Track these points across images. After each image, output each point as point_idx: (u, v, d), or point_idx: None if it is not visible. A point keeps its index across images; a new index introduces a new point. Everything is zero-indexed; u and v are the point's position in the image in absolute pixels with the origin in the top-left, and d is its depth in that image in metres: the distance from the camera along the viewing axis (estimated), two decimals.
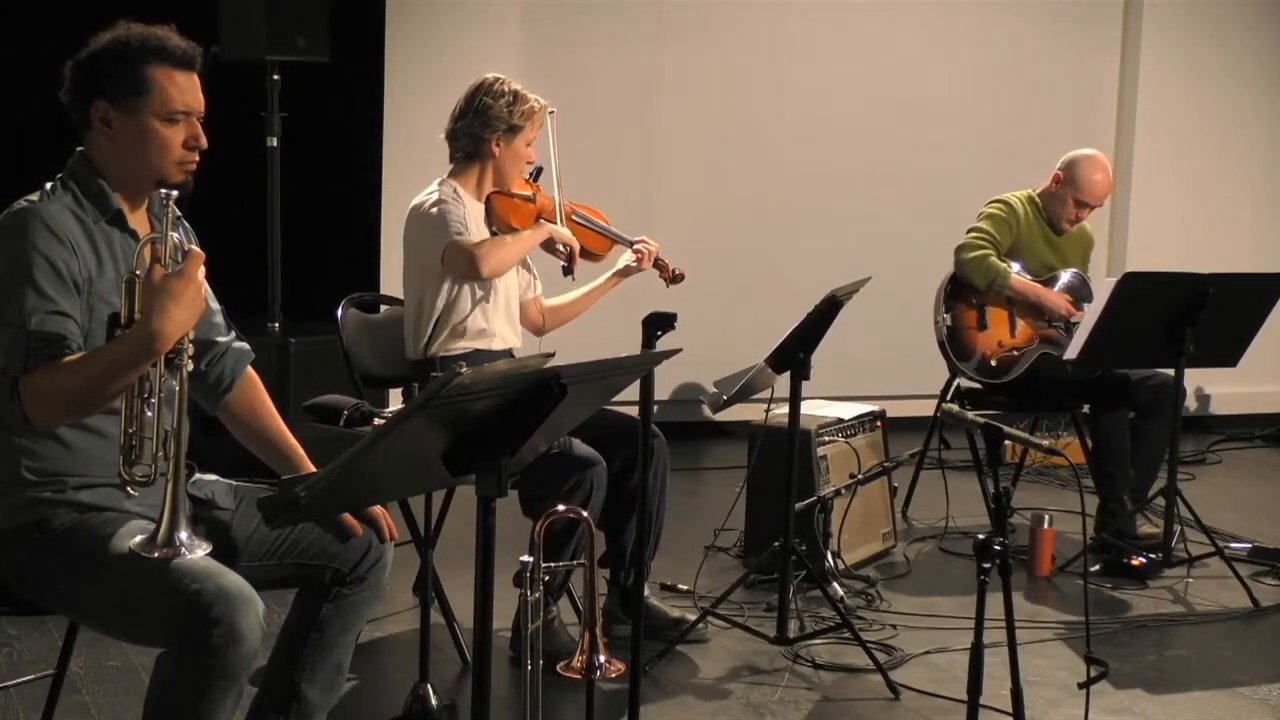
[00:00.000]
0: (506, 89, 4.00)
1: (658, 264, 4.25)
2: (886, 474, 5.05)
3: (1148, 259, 6.71)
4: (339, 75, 6.05)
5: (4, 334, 2.47)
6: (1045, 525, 4.90)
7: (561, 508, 2.84)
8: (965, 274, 5.28)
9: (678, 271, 4.26)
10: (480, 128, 3.99)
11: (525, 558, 2.67)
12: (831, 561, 4.60)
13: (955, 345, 5.32)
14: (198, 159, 2.67)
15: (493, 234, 4.07)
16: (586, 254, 4.20)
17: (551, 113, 4.11)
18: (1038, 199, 5.42)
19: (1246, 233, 7.91)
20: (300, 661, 2.81)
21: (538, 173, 4.17)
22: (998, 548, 2.78)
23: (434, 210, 3.92)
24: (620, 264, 4.26)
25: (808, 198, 7.22)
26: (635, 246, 4.23)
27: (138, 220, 2.69)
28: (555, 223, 4.10)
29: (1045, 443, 3.34)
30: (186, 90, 2.63)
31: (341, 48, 5.94)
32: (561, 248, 4.04)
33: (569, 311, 4.29)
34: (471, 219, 3.99)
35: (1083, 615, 4.24)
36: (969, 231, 5.35)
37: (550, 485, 3.64)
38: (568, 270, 4.09)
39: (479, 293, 3.99)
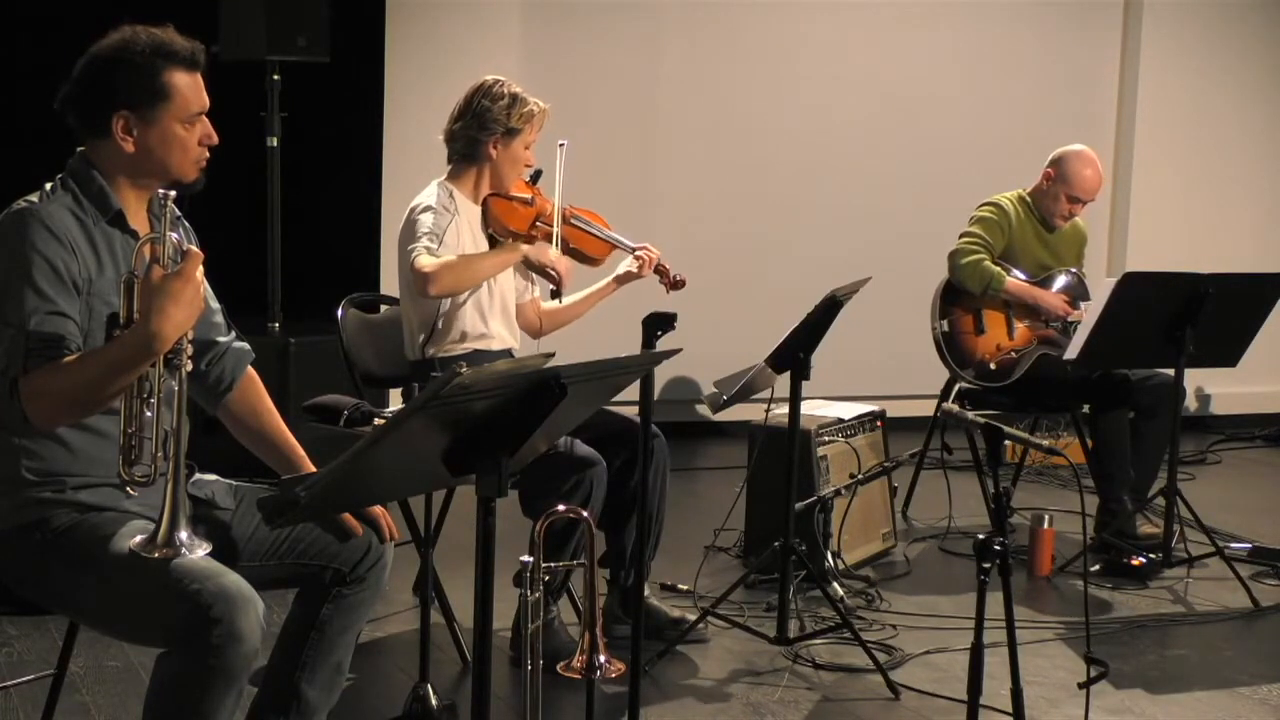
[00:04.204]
0: (506, 91, 3.98)
1: (659, 270, 4.21)
2: (886, 474, 5.05)
3: (1148, 259, 6.71)
4: (339, 75, 6.04)
5: (3, 335, 2.47)
6: (1045, 525, 4.90)
7: (561, 508, 2.85)
8: (960, 279, 5.28)
9: (679, 277, 4.23)
10: (477, 130, 3.97)
11: (525, 558, 2.67)
12: (831, 561, 4.60)
13: (953, 351, 5.32)
14: (208, 155, 2.69)
15: (489, 236, 4.06)
16: (584, 258, 4.19)
17: (562, 145, 4.08)
18: (1028, 198, 5.43)
19: (1246, 233, 7.91)
20: (300, 661, 2.81)
21: (537, 175, 4.15)
22: (998, 548, 2.78)
23: (418, 216, 3.90)
24: (620, 269, 4.23)
25: (808, 197, 7.23)
26: (637, 253, 4.20)
27: (138, 220, 2.69)
28: (552, 226, 4.08)
29: (1045, 443, 3.34)
30: (200, 90, 2.66)
31: (341, 48, 5.94)
32: (552, 272, 3.97)
33: (566, 315, 4.26)
34: (466, 223, 3.98)
35: (1083, 615, 4.24)
36: (961, 236, 5.34)
37: (550, 485, 3.64)
38: (555, 294, 4.04)
39: (473, 296, 3.98)
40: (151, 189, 2.69)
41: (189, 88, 2.64)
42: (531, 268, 4.02)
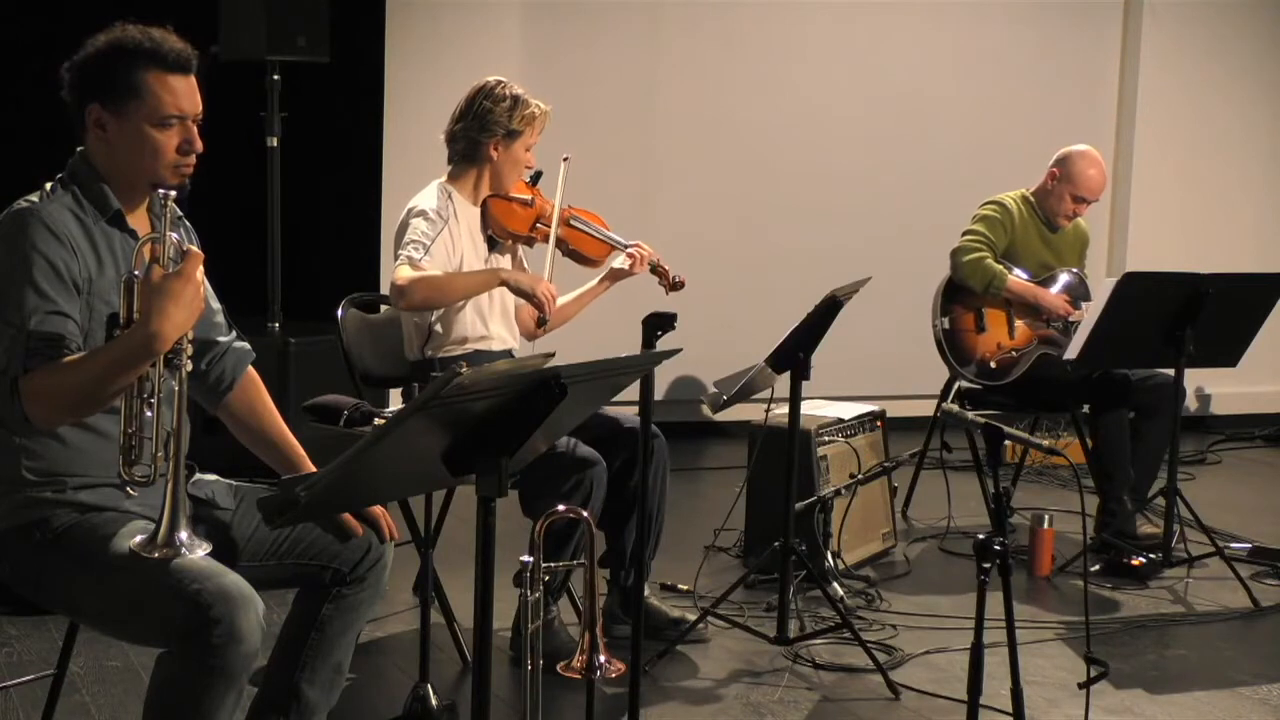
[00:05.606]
0: (507, 93, 3.97)
1: (657, 271, 4.20)
2: (886, 474, 5.05)
3: (1148, 259, 6.71)
4: (339, 75, 6.05)
5: (4, 334, 2.47)
6: (1045, 525, 4.90)
7: (561, 508, 2.85)
8: (962, 277, 5.28)
9: (678, 279, 4.22)
10: (478, 131, 3.97)
11: (525, 558, 2.67)
12: (831, 561, 4.60)
13: (954, 349, 5.32)
14: (193, 162, 2.65)
15: (488, 238, 4.06)
16: (583, 259, 4.20)
17: (566, 159, 4.08)
18: (1031, 197, 5.42)
19: (1246, 233, 7.91)
20: (300, 661, 2.81)
21: (537, 176, 4.14)
22: (998, 548, 2.78)
23: (411, 221, 3.90)
24: (612, 265, 4.24)
25: (808, 197, 7.22)
26: (629, 250, 4.20)
27: (137, 220, 2.69)
28: (550, 227, 4.07)
29: (1045, 443, 3.34)
30: (180, 94, 2.61)
31: (341, 48, 5.94)
32: (537, 299, 3.93)
33: (560, 316, 4.25)
34: (464, 226, 3.98)
35: (1083, 615, 4.24)
36: (964, 234, 5.34)
37: (550, 485, 3.64)
38: (541, 321, 4.02)
39: (470, 298, 3.97)
40: (135, 190, 2.67)
41: (165, 90, 2.59)
42: (517, 294, 3.99)
